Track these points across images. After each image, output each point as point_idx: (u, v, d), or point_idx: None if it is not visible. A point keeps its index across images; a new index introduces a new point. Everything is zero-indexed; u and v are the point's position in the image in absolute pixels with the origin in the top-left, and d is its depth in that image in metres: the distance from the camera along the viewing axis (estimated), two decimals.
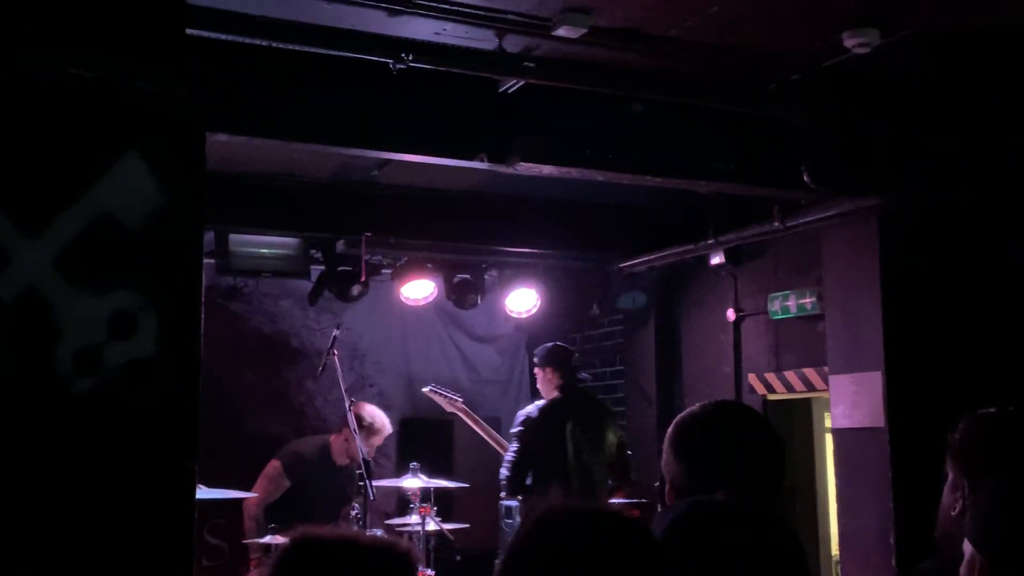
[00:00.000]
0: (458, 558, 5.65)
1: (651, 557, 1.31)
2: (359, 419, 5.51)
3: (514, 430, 5.44)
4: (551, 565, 1.27)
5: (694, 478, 1.87)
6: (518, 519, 5.53)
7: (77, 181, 2.11)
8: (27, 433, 2.03)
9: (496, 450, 5.89)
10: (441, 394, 6.06)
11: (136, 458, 2.14)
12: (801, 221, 5.18)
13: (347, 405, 5.52)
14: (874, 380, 4.85)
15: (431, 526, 5.28)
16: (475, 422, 6.03)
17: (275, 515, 5.48)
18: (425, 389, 6.16)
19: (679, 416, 2.00)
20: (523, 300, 6.75)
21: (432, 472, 5.58)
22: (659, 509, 1.81)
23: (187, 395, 2.17)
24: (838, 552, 5.66)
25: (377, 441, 5.74)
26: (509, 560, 1.31)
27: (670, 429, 1.98)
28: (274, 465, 5.63)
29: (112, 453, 2.11)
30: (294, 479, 5.60)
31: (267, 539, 5.11)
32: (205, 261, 5.74)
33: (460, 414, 6.05)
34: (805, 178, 4.54)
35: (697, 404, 2.02)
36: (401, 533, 5.47)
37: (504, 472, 5.34)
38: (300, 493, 5.59)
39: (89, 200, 2.09)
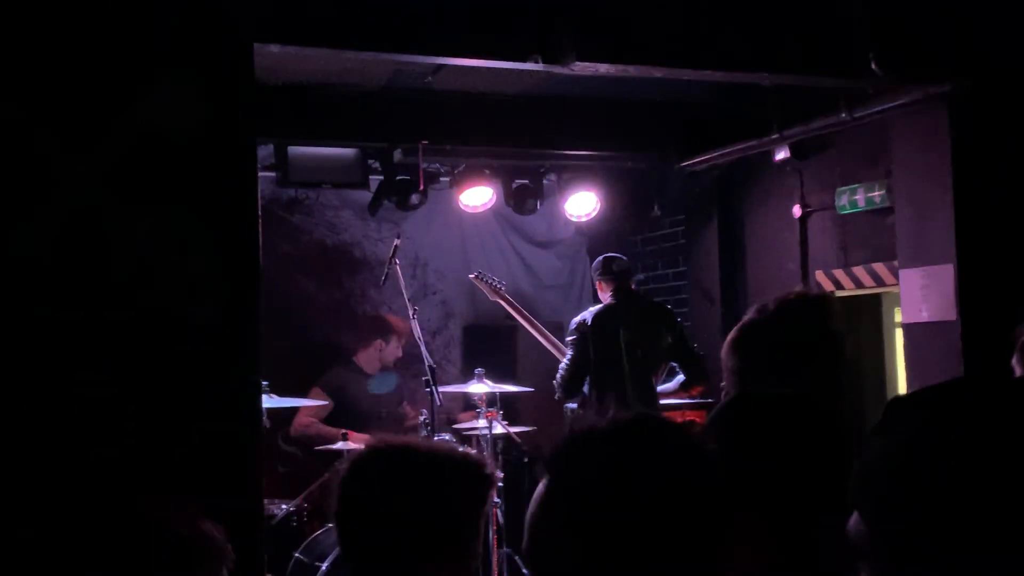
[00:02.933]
0: (526, 459, 5.74)
1: (688, 463, 1.22)
2: (390, 325, 6.18)
3: (569, 337, 5.44)
4: (584, 480, 1.22)
5: (750, 376, 1.85)
6: None
7: (125, 94, 2.09)
8: (90, 348, 2.07)
9: (546, 346, 5.93)
10: (485, 280, 6.08)
11: (199, 372, 2.16)
12: (869, 111, 5.00)
13: (411, 313, 5.57)
14: (945, 273, 4.73)
15: (498, 429, 5.35)
16: (519, 313, 6.04)
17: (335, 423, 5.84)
18: (471, 275, 6.19)
19: (741, 320, 1.97)
20: (583, 203, 6.68)
21: (497, 377, 5.64)
22: None
23: (247, 309, 2.18)
24: None
25: (402, 341, 6.21)
26: (549, 481, 1.26)
27: (731, 334, 1.95)
28: (315, 390, 5.95)
29: (174, 367, 2.14)
30: (335, 397, 5.93)
31: (339, 445, 5.23)
32: (265, 174, 5.81)
33: (503, 303, 6.06)
34: (872, 66, 4.37)
35: (757, 306, 1.99)
36: (468, 437, 5.57)
37: (559, 378, 5.36)
38: (346, 407, 5.91)
39: (137, 113, 2.08)
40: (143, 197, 2.14)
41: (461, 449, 1.78)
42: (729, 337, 1.91)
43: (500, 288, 6.07)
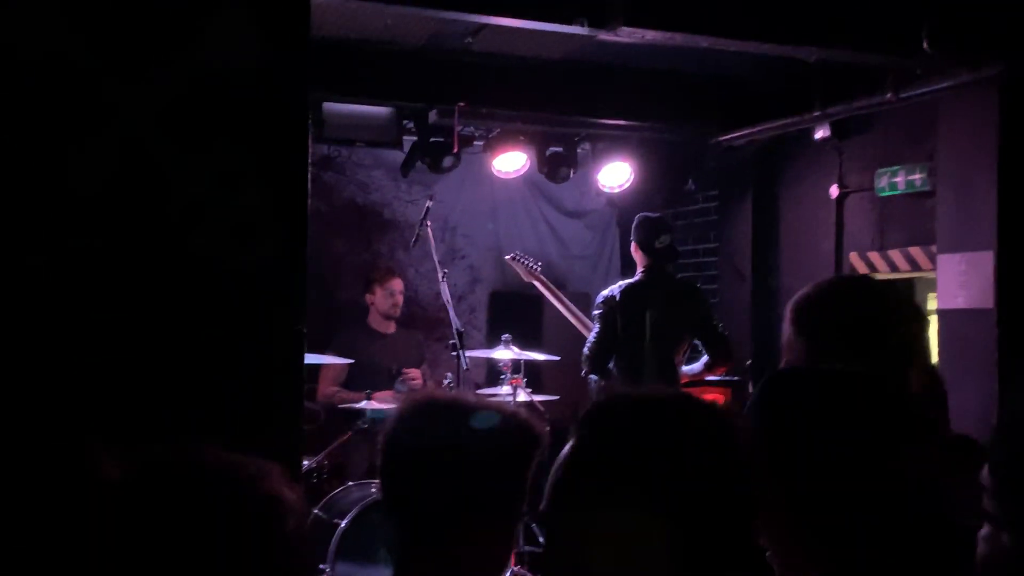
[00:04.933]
0: (548, 428, 5.70)
1: (714, 439, 1.21)
2: (375, 274, 6.04)
3: (596, 311, 5.38)
4: (608, 443, 1.21)
5: (817, 355, 1.80)
6: None
7: (181, 35, 2.06)
8: (142, 290, 2.05)
9: (578, 328, 5.87)
10: (522, 261, 6.03)
11: (247, 320, 2.14)
12: (917, 92, 4.91)
13: (440, 276, 5.55)
14: (985, 260, 4.66)
15: (522, 397, 5.32)
16: (553, 294, 5.99)
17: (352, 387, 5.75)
18: (507, 257, 6.14)
19: (800, 293, 1.91)
20: (616, 174, 6.62)
21: (522, 344, 5.61)
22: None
23: (295, 258, 2.16)
24: None
25: (393, 287, 6.00)
26: (565, 458, 1.25)
27: (791, 306, 1.89)
28: (330, 355, 5.80)
29: (224, 313, 2.12)
30: (350, 356, 5.75)
31: (363, 404, 5.23)
32: None
33: (538, 284, 6.02)
34: (924, 44, 4.28)
35: (819, 281, 1.93)
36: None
37: (586, 352, 5.32)
38: (360, 368, 5.77)
39: (194, 54, 2.05)
40: (198, 136, 2.11)
41: (511, 406, 1.75)
42: (791, 310, 1.85)
43: (536, 270, 6.01)
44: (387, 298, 6.00)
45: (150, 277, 2.12)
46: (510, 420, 1.61)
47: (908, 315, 1.83)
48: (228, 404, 2.23)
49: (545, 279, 6.03)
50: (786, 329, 1.84)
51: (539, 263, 6.10)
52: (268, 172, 2.16)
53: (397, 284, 6.05)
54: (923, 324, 1.84)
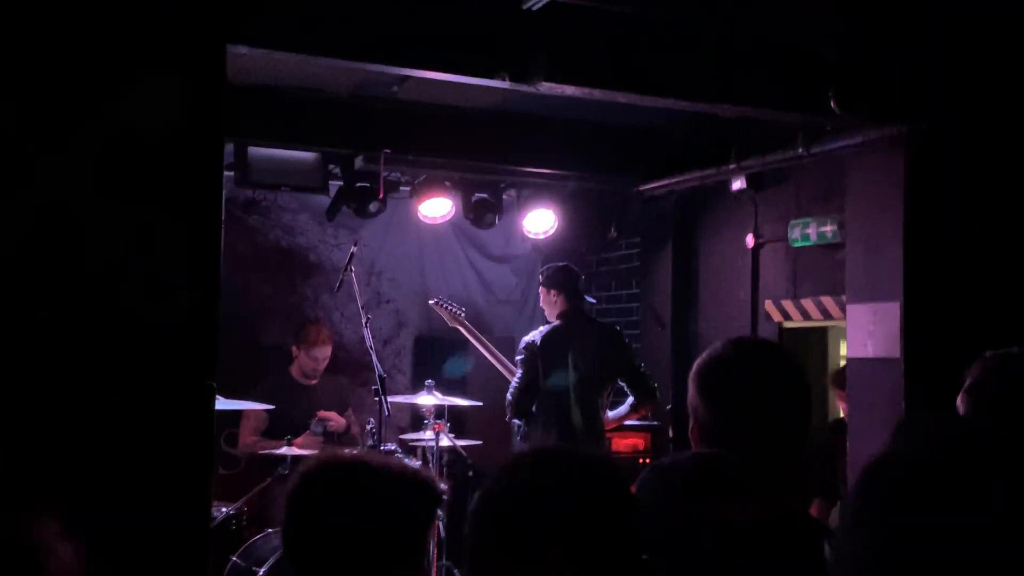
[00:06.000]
0: (471, 473, 5.74)
1: (617, 510, 1.29)
2: (303, 335, 5.95)
3: (518, 357, 5.45)
4: (515, 508, 1.28)
5: (719, 420, 1.86)
6: None
7: (100, 93, 2.08)
8: (56, 345, 2.05)
9: (501, 371, 5.93)
10: (445, 307, 6.08)
11: (158, 373, 2.15)
12: (826, 148, 5.11)
13: (364, 321, 5.56)
14: (892, 311, 4.83)
15: (445, 442, 5.35)
16: (477, 339, 6.05)
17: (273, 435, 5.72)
18: (431, 302, 6.19)
19: (706, 355, 1.97)
20: (541, 221, 6.72)
21: (446, 389, 5.64)
22: (672, 449, 1.81)
23: (207, 312, 2.17)
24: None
25: (317, 354, 5.97)
26: (480, 502, 1.33)
27: (696, 367, 1.96)
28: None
29: (136, 367, 2.13)
30: (270, 407, 5.70)
31: (283, 450, 5.20)
32: (225, 173, 5.76)
33: (462, 330, 6.07)
34: (831, 104, 4.46)
35: (723, 342, 2.00)
36: (415, 448, 5.56)
37: (509, 398, 5.37)
38: (283, 417, 5.75)
39: (113, 112, 2.07)
40: (115, 195, 2.13)
41: (410, 464, 1.79)
42: (695, 372, 1.92)
43: (460, 315, 6.06)
44: (309, 362, 6.00)
45: (66, 334, 2.12)
46: (411, 479, 1.65)
47: (798, 385, 1.91)
48: (141, 454, 2.23)
49: (468, 324, 6.08)
50: (691, 391, 1.91)
51: (463, 308, 6.15)
52: (182, 228, 2.18)
53: (323, 351, 6.00)
54: (807, 394, 1.93)
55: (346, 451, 1.74)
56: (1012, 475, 0.93)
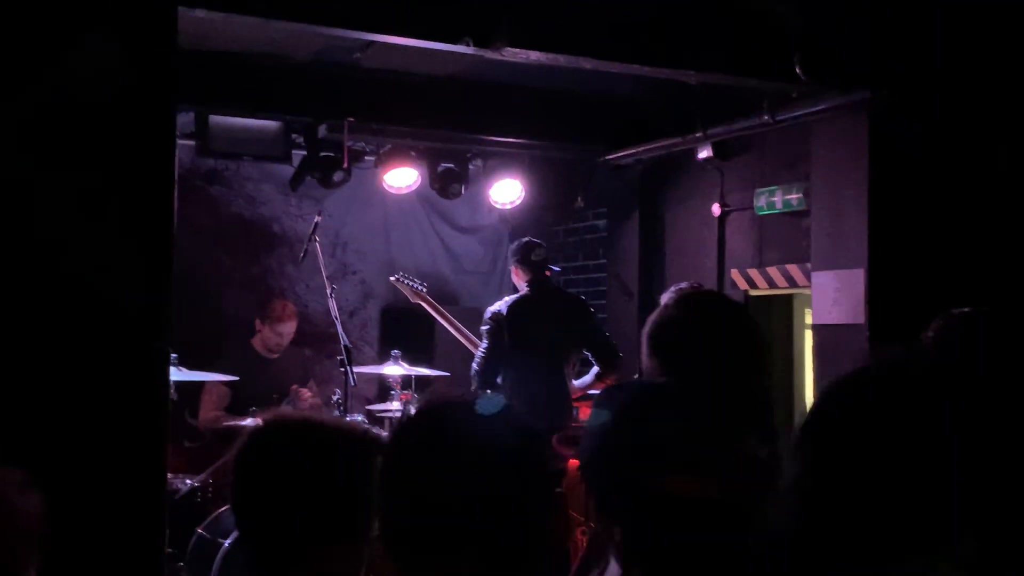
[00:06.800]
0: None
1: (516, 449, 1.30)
2: (269, 310, 5.85)
3: (484, 327, 5.43)
4: (417, 453, 1.29)
5: (668, 375, 1.86)
6: None
7: (41, 57, 2.01)
8: (4, 310, 2.00)
9: (465, 344, 5.91)
10: (406, 283, 6.05)
11: (108, 339, 2.11)
12: (791, 115, 5.10)
13: (328, 292, 5.51)
14: (856, 278, 4.85)
15: (412, 412, 5.32)
16: (440, 314, 6.03)
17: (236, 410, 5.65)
18: (392, 278, 6.16)
19: (656, 314, 1.97)
20: (507, 191, 6.68)
21: (413, 360, 5.61)
22: None
23: (157, 276, 2.13)
24: None
25: (282, 330, 5.87)
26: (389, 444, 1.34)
27: (646, 325, 1.96)
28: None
29: (84, 334, 2.08)
30: (234, 381, 5.66)
31: (248, 421, 5.15)
32: (185, 143, 5.67)
33: (425, 305, 6.05)
34: (797, 70, 4.45)
35: (671, 299, 1.99)
36: (382, 419, 5.54)
37: (475, 367, 5.36)
38: (245, 389, 5.67)
39: (54, 76, 2.00)
40: (57, 162, 2.07)
41: (356, 423, 1.78)
42: (646, 329, 1.92)
43: (421, 291, 6.03)
44: (273, 337, 5.91)
45: (9, 302, 2.07)
46: (357, 437, 1.63)
47: (746, 334, 1.90)
48: (90, 420, 2.19)
49: (430, 299, 6.05)
50: (644, 352, 1.90)
51: (424, 283, 6.12)
52: (132, 194, 2.13)
53: (288, 327, 5.92)
54: (758, 342, 1.92)
55: (292, 411, 1.73)
56: (953, 396, 0.96)
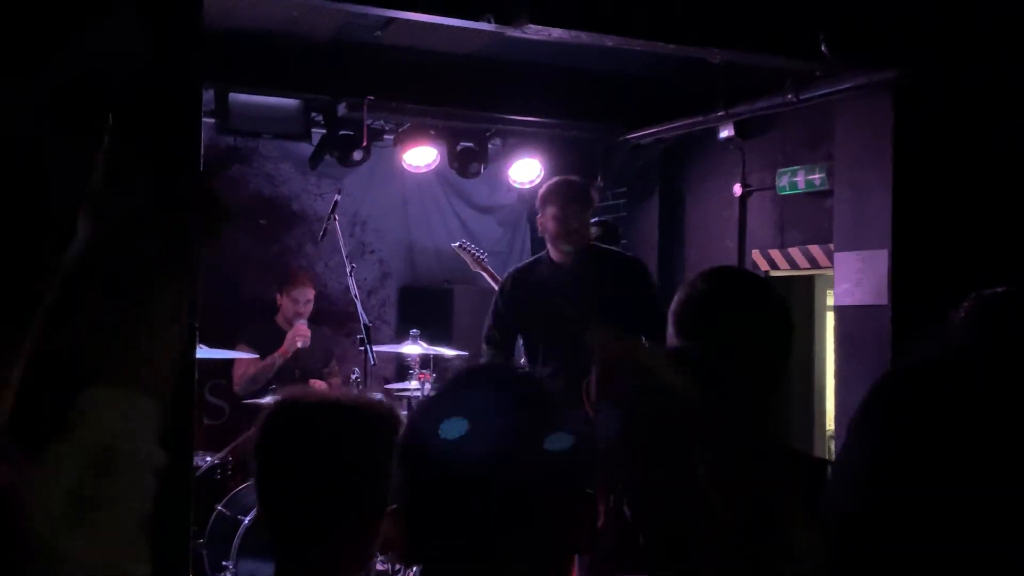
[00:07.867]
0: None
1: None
2: (286, 277, 5.98)
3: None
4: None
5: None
6: None
7: (67, 34, 2.00)
8: (27, 289, 1.98)
9: None
10: (469, 251, 6.00)
11: (135, 310, 2.09)
12: (814, 94, 5.05)
13: (348, 270, 5.51)
14: (880, 258, 4.82)
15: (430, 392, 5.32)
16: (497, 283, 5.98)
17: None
18: (454, 244, 6.10)
19: (681, 292, 1.95)
20: (526, 170, 6.65)
21: (431, 339, 5.61)
22: None
23: (184, 251, 2.11)
24: (833, 427, 5.74)
25: (298, 296, 5.91)
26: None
27: (672, 306, 1.94)
28: (240, 347, 5.75)
29: (110, 306, 2.07)
30: (259, 350, 5.71)
31: (267, 399, 5.16)
32: (205, 120, 5.65)
33: (485, 275, 5.99)
34: (822, 48, 4.40)
35: (698, 277, 1.96)
36: (400, 398, 5.54)
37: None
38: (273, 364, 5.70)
39: (79, 49, 1.99)
40: (83, 134, 2.05)
41: (371, 397, 1.77)
42: (671, 309, 1.89)
43: (483, 259, 5.98)
44: (291, 305, 5.91)
45: (34, 277, 2.06)
46: (373, 413, 1.63)
47: (772, 312, 1.89)
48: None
49: (491, 269, 5.98)
50: (669, 331, 1.88)
51: (485, 253, 6.07)
52: (157, 168, 2.11)
53: (304, 294, 5.92)
54: (787, 319, 1.91)
55: (306, 390, 1.74)
56: (1008, 386, 0.92)
